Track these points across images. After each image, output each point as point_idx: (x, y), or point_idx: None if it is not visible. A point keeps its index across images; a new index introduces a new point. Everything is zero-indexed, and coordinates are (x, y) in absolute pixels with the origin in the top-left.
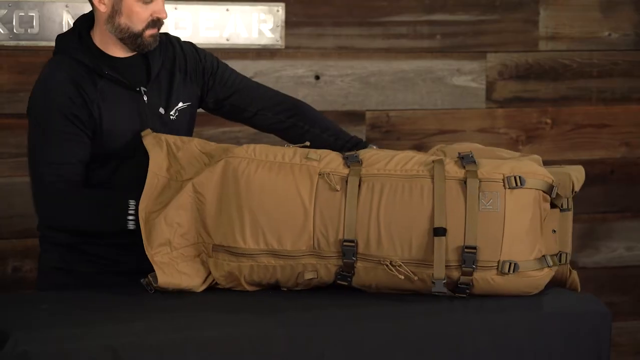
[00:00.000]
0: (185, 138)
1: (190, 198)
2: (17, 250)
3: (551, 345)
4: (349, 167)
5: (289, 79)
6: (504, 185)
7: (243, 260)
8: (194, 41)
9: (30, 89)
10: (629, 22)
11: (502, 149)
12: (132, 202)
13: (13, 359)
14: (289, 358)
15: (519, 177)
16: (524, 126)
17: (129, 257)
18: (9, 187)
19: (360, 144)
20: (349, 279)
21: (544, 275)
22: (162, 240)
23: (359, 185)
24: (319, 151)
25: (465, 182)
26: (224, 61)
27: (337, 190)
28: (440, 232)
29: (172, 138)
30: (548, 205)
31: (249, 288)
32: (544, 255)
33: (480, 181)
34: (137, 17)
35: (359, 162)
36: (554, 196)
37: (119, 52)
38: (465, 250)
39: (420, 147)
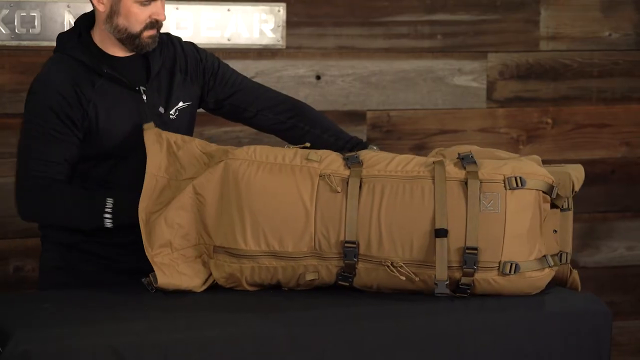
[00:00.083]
0: (186, 137)
1: (190, 199)
2: (19, 250)
3: (552, 345)
4: (349, 168)
5: (290, 78)
6: (504, 186)
7: (244, 261)
8: (195, 41)
9: None
10: (630, 22)
11: (501, 150)
12: (109, 200)
13: (14, 359)
14: (290, 357)
15: (520, 177)
16: (525, 126)
17: (129, 257)
18: (10, 187)
19: (361, 145)
20: (350, 280)
21: (545, 276)
22: (163, 241)
23: (360, 187)
24: (320, 152)
25: (466, 183)
26: (225, 61)
27: (338, 192)
28: (441, 233)
29: (173, 136)
30: (548, 205)
31: (250, 289)
32: (544, 256)
33: (481, 182)
34: (135, 19)
35: (360, 163)
36: (554, 196)
37: (118, 51)
38: (467, 251)
39: (421, 147)
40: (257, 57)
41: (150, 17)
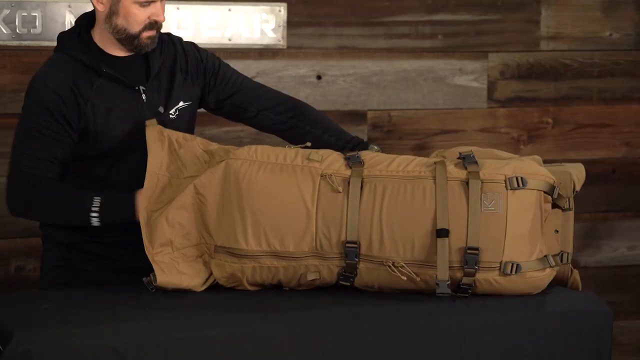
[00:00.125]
0: (188, 136)
1: (191, 199)
2: (20, 249)
3: (553, 344)
4: (351, 168)
5: (291, 78)
6: (505, 186)
7: (245, 261)
8: (196, 41)
9: None
10: (630, 22)
11: (501, 150)
12: (97, 199)
13: (16, 358)
14: (290, 357)
15: (521, 177)
16: (526, 126)
17: (130, 256)
18: None
19: (362, 145)
20: (351, 280)
21: (546, 276)
22: (164, 240)
23: (361, 187)
24: (321, 152)
25: (467, 183)
26: (225, 61)
27: (340, 192)
28: (442, 233)
29: (174, 135)
30: (549, 205)
31: (251, 289)
32: (545, 256)
33: (482, 182)
34: (133, 19)
35: (361, 163)
36: (555, 197)
37: (118, 51)
38: (468, 251)
39: (422, 147)
40: (258, 57)
41: (149, 18)
